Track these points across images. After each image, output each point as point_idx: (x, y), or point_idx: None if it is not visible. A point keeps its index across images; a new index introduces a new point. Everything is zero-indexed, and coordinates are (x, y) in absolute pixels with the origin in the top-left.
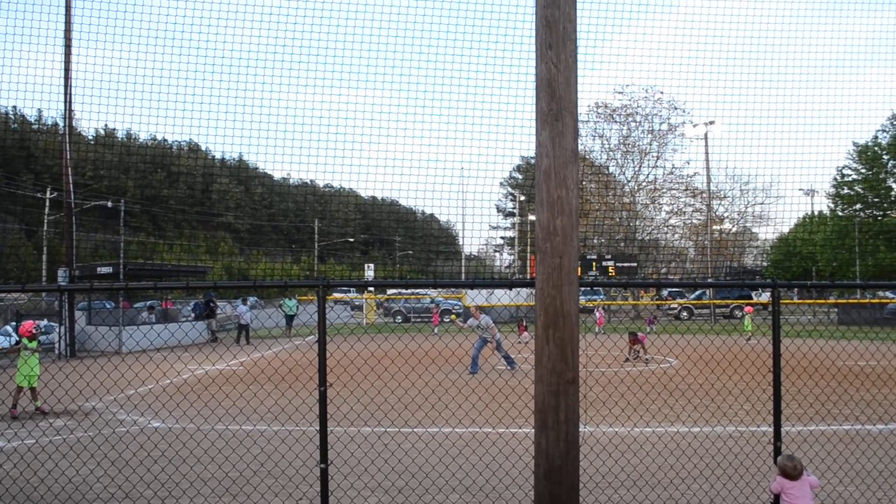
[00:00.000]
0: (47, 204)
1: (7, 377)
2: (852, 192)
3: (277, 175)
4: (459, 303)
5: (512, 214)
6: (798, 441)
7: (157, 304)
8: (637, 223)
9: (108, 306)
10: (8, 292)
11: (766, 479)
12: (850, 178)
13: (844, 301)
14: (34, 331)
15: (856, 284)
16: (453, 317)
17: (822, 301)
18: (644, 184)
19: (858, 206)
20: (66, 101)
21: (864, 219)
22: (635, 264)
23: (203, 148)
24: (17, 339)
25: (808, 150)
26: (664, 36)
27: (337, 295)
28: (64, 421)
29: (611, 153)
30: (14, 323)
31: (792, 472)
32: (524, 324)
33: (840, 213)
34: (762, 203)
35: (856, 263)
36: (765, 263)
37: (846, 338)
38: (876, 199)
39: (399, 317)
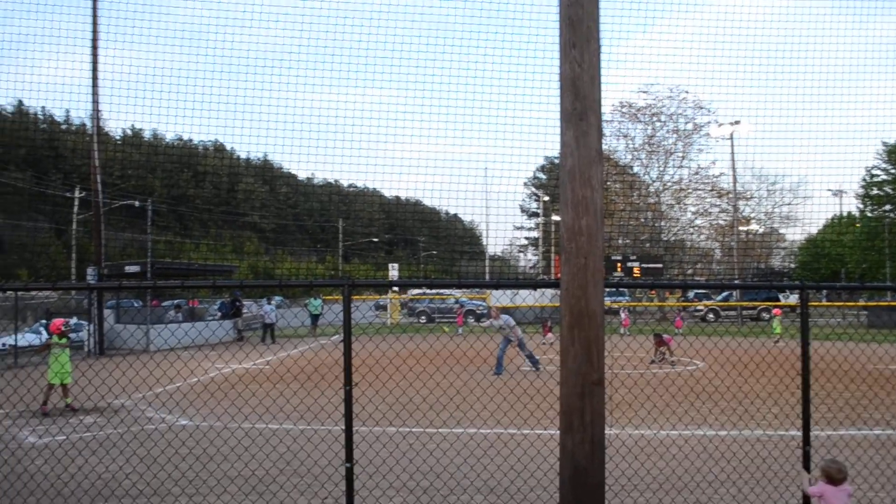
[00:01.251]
0: (76, 203)
1: (38, 374)
2: (882, 193)
3: (302, 175)
4: (484, 303)
5: (536, 215)
6: (827, 445)
7: (184, 303)
8: (662, 224)
9: (136, 305)
10: (39, 290)
11: (794, 484)
12: (879, 179)
13: (874, 304)
14: (63, 328)
15: (886, 286)
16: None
17: (852, 304)
18: (669, 184)
19: (888, 206)
20: (93, 102)
21: (894, 220)
22: (661, 265)
23: (228, 148)
24: (48, 336)
25: (837, 150)
26: (689, 35)
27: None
28: (94, 418)
29: (635, 153)
30: (44, 321)
31: (837, 476)
32: (549, 324)
33: (869, 214)
34: (790, 203)
35: (886, 265)
36: (792, 265)
37: (876, 341)
38: None
39: (423, 317)
